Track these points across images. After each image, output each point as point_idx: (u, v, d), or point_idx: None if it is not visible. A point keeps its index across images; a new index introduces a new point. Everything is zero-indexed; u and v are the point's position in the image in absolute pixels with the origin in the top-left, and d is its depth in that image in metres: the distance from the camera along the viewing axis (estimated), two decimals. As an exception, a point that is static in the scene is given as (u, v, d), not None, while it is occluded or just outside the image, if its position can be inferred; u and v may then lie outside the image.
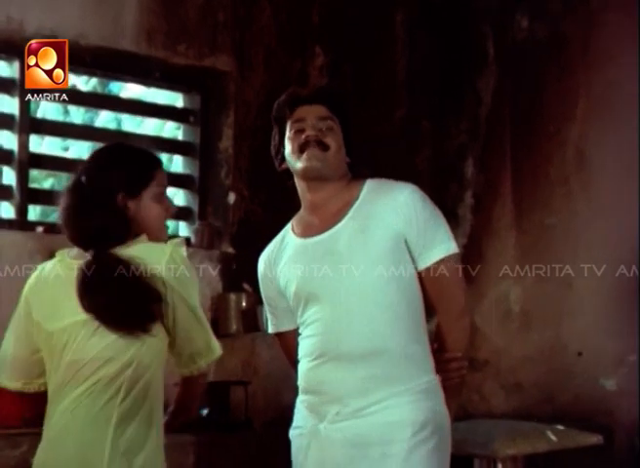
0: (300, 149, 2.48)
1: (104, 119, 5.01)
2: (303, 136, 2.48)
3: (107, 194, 2.27)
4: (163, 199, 2.36)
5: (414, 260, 2.45)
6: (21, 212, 3.80)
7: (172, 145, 4.34)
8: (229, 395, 3.87)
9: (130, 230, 2.29)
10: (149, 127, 4.83)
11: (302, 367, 2.51)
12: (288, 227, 2.62)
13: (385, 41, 4.65)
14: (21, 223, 3.78)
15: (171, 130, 4.71)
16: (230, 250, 4.16)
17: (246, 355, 4.10)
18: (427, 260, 2.44)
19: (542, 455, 3.74)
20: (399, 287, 2.43)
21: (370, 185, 2.52)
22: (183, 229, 4.26)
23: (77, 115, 4.98)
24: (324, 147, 2.47)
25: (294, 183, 2.59)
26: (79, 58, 3.85)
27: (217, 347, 2.30)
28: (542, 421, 3.94)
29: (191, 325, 2.25)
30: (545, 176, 4.48)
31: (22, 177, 3.80)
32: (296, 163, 2.51)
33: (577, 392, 4.19)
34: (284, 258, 2.55)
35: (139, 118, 4.70)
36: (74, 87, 4.57)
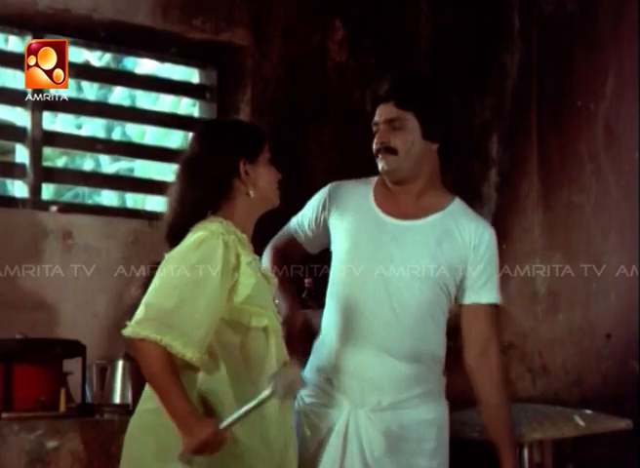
0: (376, 154, 2.62)
1: (119, 96, 4.93)
2: (375, 142, 2.61)
3: (232, 161, 2.31)
4: (272, 164, 2.40)
5: (463, 291, 2.60)
6: (35, 190, 3.77)
7: (187, 122, 4.28)
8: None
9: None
10: (164, 103, 4.76)
11: (337, 345, 2.57)
12: (373, 182, 2.66)
13: (408, 13, 4.56)
14: (35, 202, 3.75)
15: (186, 106, 4.65)
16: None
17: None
18: (477, 299, 2.60)
19: (570, 440, 3.69)
20: (441, 295, 2.58)
21: (457, 204, 2.64)
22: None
23: (90, 92, 4.90)
24: (392, 151, 2.57)
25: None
26: (92, 33, 3.83)
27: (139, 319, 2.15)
28: (570, 405, 3.88)
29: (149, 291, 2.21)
30: (573, 154, 4.40)
31: (36, 156, 3.78)
32: (378, 164, 2.63)
33: (605, 375, 4.15)
34: (352, 208, 2.62)
35: (153, 94, 4.64)
36: (87, 62, 4.50)
